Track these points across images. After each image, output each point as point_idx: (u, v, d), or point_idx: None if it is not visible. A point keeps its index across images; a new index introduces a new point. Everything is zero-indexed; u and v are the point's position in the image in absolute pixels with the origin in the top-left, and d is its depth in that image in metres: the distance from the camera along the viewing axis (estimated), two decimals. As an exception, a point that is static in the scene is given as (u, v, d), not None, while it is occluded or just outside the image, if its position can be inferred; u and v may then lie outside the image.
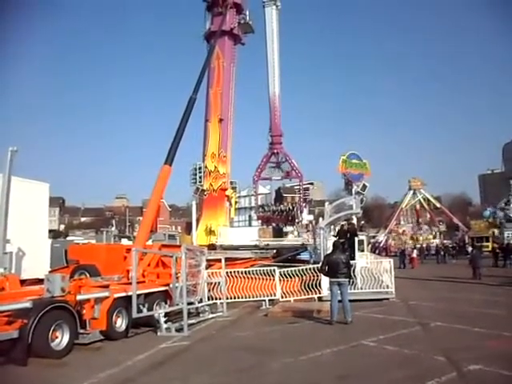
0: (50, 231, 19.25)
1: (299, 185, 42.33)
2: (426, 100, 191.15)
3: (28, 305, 7.69)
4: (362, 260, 17.56)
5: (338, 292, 11.17)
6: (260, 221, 38.77)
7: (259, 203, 40.51)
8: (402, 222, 72.18)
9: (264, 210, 39.09)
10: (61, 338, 8.16)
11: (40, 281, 11.51)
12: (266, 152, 40.89)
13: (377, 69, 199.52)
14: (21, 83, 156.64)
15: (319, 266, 12.83)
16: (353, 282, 13.81)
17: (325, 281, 13.94)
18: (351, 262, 12.54)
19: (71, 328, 8.35)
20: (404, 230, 69.62)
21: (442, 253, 43.47)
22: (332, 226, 19.10)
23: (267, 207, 39.42)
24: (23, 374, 7.22)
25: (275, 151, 40.23)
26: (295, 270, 15.42)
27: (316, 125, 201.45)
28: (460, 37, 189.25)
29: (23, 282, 10.90)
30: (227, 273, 14.52)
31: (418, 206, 70.48)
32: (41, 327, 7.65)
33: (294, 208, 38.96)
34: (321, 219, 20.44)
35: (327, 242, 16.66)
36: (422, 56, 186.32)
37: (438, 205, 71.91)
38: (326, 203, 21.11)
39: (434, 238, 66.26)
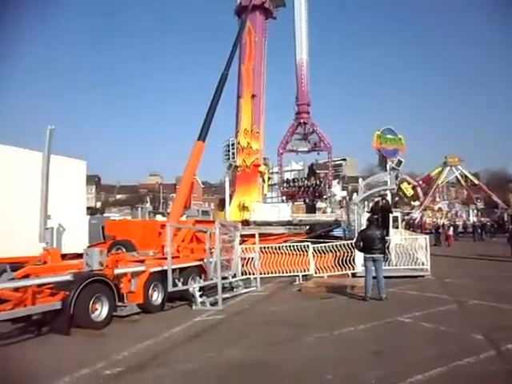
0: (88, 208, 19.70)
1: (328, 157, 40.98)
2: (464, 72, 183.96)
3: (69, 277, 7.96)
4: (397, 237, 17.38)
5: (373, 268, 11.10)
6: (284, 197, 38.08)
7: (289, 179, 39.72)
8: (438, 199, 70.81)
9: (289, 186, 38.36)
10: (100, 310, 8.42)
11: (79, 255, 11.88)
12: (292, 122, 39.49)
13: (414, 37, 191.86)
14: (60, 61, 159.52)
15: (354, 241, 12.77)
16: (387, 258, 13.69)
17: (359, 257, 13.90)
18: (386, 238, 12.42)
19: (110, 301, 8.59)
20: (440, 207, 68.32)
21: (479, 230, 42.46)
22: (366, 202, 18.89)
23: (292, 182, 38.57)
24: (67, 342, 7.51)
25: (302, 121, 38.76)
26: (329, 246, 15.40)
27: (348, 100, 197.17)
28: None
29: (63, 257, 11.20)
30: (261, 248, 14.63)
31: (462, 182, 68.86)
32: (81, 299, 7.90)
33: (321, 183, 37.96)
34: (355, 195, 20.25)
35: (361, 218, 16.54)
36: (463, 24, 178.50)
37: (476, 181, 69.95)
38: (360, 179, 20.83)
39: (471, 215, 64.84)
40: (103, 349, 7.07)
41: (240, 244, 13.81)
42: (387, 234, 14.92)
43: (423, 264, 15.14)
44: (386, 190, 18.25)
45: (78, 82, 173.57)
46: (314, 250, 15.28)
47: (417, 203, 66.26)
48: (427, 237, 16.30)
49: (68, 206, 13.16)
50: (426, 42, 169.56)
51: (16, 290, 7.85)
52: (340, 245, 15.31)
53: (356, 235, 13.16)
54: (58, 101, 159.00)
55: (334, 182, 44.01)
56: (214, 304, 10.58)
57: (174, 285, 10.12)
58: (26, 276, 8.34)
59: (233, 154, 32.09)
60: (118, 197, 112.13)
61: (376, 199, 18.71)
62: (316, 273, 15.03)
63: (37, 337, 7.87)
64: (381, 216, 16.13)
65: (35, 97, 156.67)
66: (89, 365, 6.11)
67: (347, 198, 34.87)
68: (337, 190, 42.84)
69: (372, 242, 11.08)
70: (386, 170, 20.68)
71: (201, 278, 11.54)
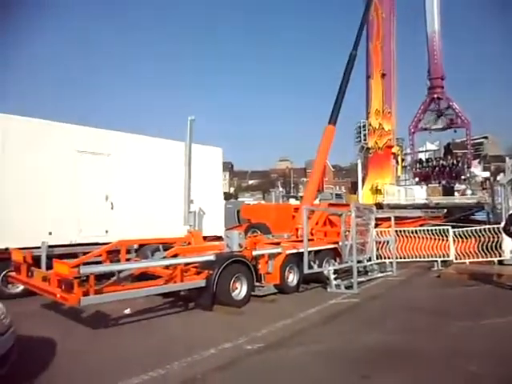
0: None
1: (467, 134, 37.56)
2: None
3: (212, 258, 8.49)
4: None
5: (525, 255, 10.13)
6: (417, 178, 35.89)
7: (422, 159, 37.28)
8: None
9: (422, 166, 36.04)
10: (240, 289, 8.88)
11: (218, 238, 12.60)
12: (424, 99, 37.01)
13: None
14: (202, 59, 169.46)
15: (502, 226, 11.75)
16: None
17: (507, 243, 12.81)
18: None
19: (248, 280, 9.01)
20: None
21: None
22: (514, 183, 17.19)
23: (426, 163, 36.11)
24: (210, 318, 8.07)
25: (435, 96, 36.09)
26: (471, 231, 14.36)
27: (490, 72, 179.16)
28: None
29: (204, 239, 11.91)
30: (396, 232, 14.18)
31: None
32: (223, 278, 8.42)
33: (458, 163, 34.96)
34: (501, 175, 18.54)
35: (509, 201, 15.16)
36: None
37: None
38: (507, 158, 18.92)
39: None
40: (243, 325, 7.45)
41: (374, 227, 13.52)
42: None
43: None
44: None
45: (215, 76, 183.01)
46: (455, 235, 14.43)
47: None
48: None
49: (207, 191, 13.92)
50: None
51: (167, 267, 8.60)
52: (484, 229, 14.20)
53: (504, 219, 12.10)
54: (195, 93, 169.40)
55: (475, 162, 40.44)
56: (348, 287, 10.56)
57: (310, 267, 10.26)
58: (175, 255, 9.11)
59: (364, 135, 31.25)
60: (250, 182, 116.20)
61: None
62: (456, 258, 14.20)
63: (184, 311, 8.56)
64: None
65: (176, 90, 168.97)
66: (231, 339, 6.50)
67: (491, 178, 31.80)
68: (477, 171, 39.36)
69: (525, 227, 10.09)
70: (537, 147, 18.48)
71: (335, 261, 11.54)
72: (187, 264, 8.64)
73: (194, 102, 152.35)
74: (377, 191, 31.38)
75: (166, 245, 10.17)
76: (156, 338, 6.80)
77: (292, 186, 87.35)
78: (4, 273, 9.36)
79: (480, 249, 14.02)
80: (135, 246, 10.84)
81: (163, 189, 12.80)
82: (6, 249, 9.24)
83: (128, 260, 9.73)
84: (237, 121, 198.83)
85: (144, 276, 8.67)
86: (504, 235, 12.11)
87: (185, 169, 11.66)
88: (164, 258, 8.97)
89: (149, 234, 10.89)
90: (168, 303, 8.92)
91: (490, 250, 13.71)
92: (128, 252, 10.23)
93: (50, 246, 9.41)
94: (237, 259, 8.88)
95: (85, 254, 9.25)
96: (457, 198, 29.57)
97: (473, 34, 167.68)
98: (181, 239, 10.82)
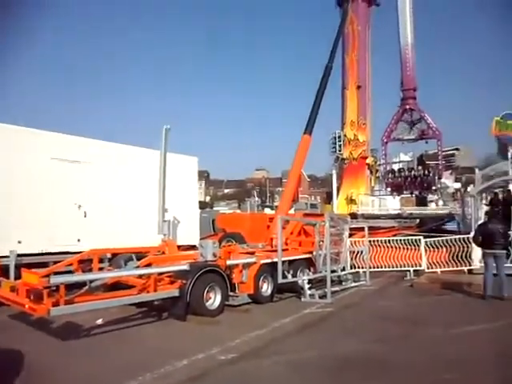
0: (198, 202, 20.47)
1: (438, 145, 38.37)
2: None
3: (186, 267, 8.39)
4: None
5: (494, 265, 10.36)
6: (389, 188, 36.45)
7: (394, 169, 37.91)
8: None
9: (394, 176, 36.66)
10: (213, 299, 8.81)
11: (192, 247, 12.50)
12: (397, 109, 37.78)
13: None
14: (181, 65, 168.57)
15: (472, 235, 12.01)
16: (510, 254, 12.67)
17: (476, 252, 13.07)
18: (509, 232, 11.51)
19: (222, 290, 8.95)
20: None
21: None
22: (484, 195, 17.60)
23: (398, 173, 36.77)
24: (184, 328, 7.97)
25: (407, 107, 36.98)
26: (442, 240, 14.62)
27: (461, 84, 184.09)
28: None
29: (178, 248, 11.81)
30: (370, 241, 14.32)
31: None
32: (197, 288, 8.34)
33: (429, 173, 35.65)
34: (471, 187, 18.97)
35: (478, 212, 15.50)
36: None
37: None
38: (477, 169, 19.40)
39: None
40: (217, 335, 7.38)
41: (348, 237, 13.63)
42: (510, 229, 13.84)
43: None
44: (508, 180, 16.83)
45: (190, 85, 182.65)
46: (427, 244, 14.67)
47: None
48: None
49: (182, 200, 13.83)
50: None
51: (140, 277, 8.51)
52: (455, 239, 14.47)
53: (473, 229, 12.37)
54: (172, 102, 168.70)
55: (446, 173, 41.39)
56: (322, 297, 10.58)
57: (284, 277, 10.26)
58: (149, 265, 9.01)
59: (339, 146, 31.69)
60: (226, 191, 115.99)
61: (495, 191, 17.37)
62: (428, 268, 14.42)
63: (157, 321, 8.44)
64: (501, 209, 15.00)
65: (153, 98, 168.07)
66: (204, 350, 6.42)
67: (462, 189, 32.57)
68: (449, 182, 40.31)
69: (493, 237, 10.34)
70: (506, 159, 18.97)
71: (309, 270, 11.57)
72: (161, 273, 8.54)
73: (171, 109, 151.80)
74: (351, 201, 31.77)
75: (140, 254, 10.03)
76: (128, 348, 6.69)
77: (268, 195, 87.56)
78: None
79: (451, 258, 14.26)
80: (108, 256, 10.67)
81: (137, 197, 12.69)
82: (-28, 258, 9.01)
83: (101, 269, 9.58)
84: (214, 130, 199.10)
85: (117, 286, 8.55)
86: (473, 245, 12.38)
87: (159, 178, 11.57)
88: (137, 267, 8.85)
89: (122, 243, 10.74)
90: (141, 313, 8.78)
91: (460, 259, 13.95)
92: (101, 261, 10.08)
93: (20, 255, 9.19)
94: (211, 269, 8.82)
95: (56, 263, 9.06)
96: (429, 209, 30.11)
97: (447, 45, 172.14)
98: (155, 248, 10.70)
